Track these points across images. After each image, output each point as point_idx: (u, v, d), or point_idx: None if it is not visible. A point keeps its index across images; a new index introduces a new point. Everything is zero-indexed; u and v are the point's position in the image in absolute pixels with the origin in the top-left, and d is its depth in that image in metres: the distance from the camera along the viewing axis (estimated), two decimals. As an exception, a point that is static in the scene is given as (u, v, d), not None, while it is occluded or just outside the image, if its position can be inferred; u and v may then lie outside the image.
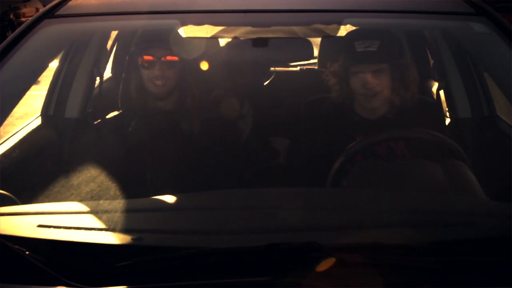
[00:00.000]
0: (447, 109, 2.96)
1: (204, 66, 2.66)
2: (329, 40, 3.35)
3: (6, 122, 1.90)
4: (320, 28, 2.76)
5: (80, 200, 1.86)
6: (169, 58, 2.40)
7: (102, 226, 1.53)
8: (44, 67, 2.07)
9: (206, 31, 3.11)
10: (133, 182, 2.06)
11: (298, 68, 4.11)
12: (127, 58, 2.95)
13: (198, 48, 2.74)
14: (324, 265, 1.32)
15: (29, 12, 14.78)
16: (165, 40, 2.39)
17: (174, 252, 1.40)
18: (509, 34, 1.95)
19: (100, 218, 1.57)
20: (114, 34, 3.49)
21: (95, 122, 2.73)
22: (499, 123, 2.78)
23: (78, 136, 2.74)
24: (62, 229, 1.54)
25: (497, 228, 1.58)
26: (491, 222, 1.64)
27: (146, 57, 2.40)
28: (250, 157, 2.43)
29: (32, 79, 2.01)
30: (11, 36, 1.98)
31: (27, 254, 1.35)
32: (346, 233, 1.50)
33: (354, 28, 2.36)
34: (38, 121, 2.83)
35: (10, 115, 1.93)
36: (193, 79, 2.50)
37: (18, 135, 2.60)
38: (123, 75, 2.58)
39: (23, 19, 14.11)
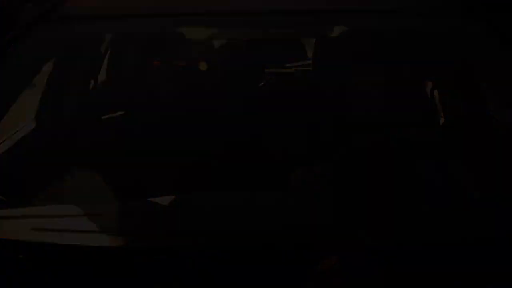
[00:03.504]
0: (441, 109, 2.96)
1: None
2: (323, 41, 3.35)
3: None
4: (314, 30, 2.76)
5: (75, 203, 1.85)
6: (175, 62, 2.38)
7: (98, 228, 1.52)
8: (39, 70, 2.07)
9: (200, 33, 3.10)
10: (129, 184, 2.06)
11: (293, 69, 4.11)
12: (131, 61, 2.93)
13: (196, 51, 2.73)
14: (320, 266, 1.32)
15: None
16: (173, 44, 2.38)
17: (170, 253, 1.40)
18: (503, 34, 1.95)
19: (95, 221, 1.57)
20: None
21: (90, 125, 2.72)
22: (493, 123, 2.78)
23: (72, 138, 2.73)
24: (57, 232, 1.53)
25: (494, 228, 1.58)
26: (487, 222, 1.64)
27: (155, 62, 2.38)
28: (245, 159, 2.43)
29: (28, 82, 2.00)
30: (6, 39, 1.97)
31: (20, 257, 1.34)
32: (342, 234, 1.50)
33: (347, 29, 2.36)
34: (33, 124, 2.82)
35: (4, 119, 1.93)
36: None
37: (12, 138, 2.59)
38: (127, 78, 2.55)
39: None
